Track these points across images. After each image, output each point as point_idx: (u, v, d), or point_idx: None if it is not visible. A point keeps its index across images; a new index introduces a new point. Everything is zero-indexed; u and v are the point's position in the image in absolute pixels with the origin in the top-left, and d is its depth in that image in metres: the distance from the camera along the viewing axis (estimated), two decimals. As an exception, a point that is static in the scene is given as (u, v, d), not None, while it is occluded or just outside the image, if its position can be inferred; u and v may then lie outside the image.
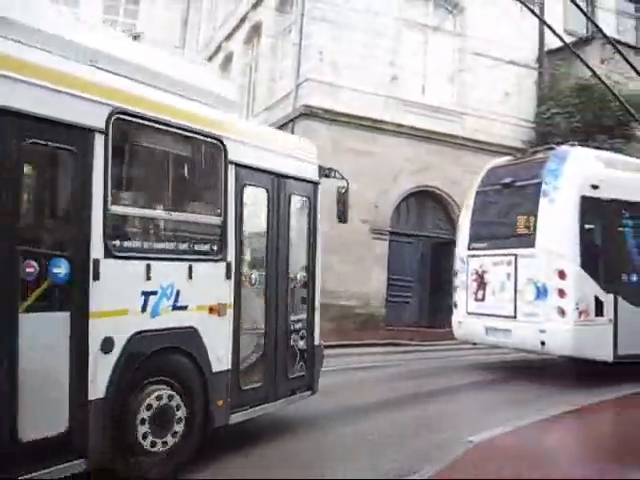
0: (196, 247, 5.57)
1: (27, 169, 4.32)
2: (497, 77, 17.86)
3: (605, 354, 9.56)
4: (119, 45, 5.33)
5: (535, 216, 10.02)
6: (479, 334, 10.83)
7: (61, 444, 4.44)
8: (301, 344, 6.95)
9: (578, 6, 14.04)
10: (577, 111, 17.63)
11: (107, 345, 4.71)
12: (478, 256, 10.88)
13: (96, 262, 4.59)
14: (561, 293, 9.45)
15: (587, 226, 9.73)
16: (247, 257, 6.20)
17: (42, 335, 4.30)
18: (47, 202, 4.67)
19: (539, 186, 10.06)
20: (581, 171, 10.02)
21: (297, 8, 16.94)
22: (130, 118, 4.94)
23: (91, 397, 4.60)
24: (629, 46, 19.37)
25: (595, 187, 9.78)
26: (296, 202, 6.90)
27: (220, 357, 5.76)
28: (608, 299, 9.62)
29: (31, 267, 4.23)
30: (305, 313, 7.04)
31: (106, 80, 4.83)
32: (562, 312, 9.43)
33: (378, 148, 16.28)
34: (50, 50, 4.48)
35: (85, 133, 4.56)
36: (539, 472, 5.34)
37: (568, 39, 18.96)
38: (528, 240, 10.01)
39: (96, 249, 4.59)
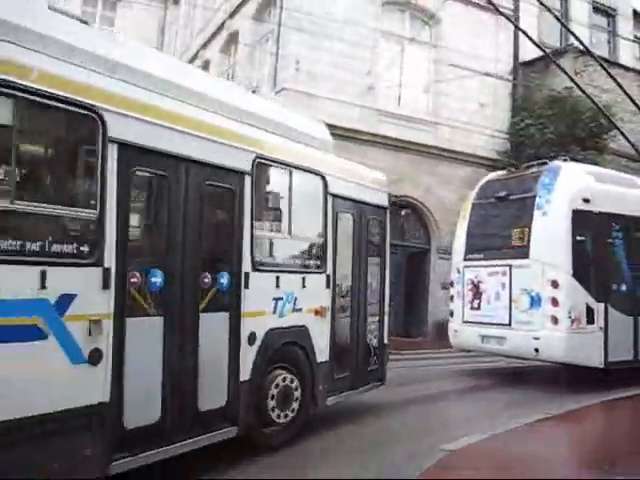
0: (307, 262, 6.93)
1: (206, 206, 5.64)
2: (472, 88, 17.93)
3: (596, 361, 9.92)
4: (250, 100, 6.68)
5: (529, 228, 10.40)
6: (475, 342, 11.18)
7: (222, 414, 5.76)
8: (375, 342, 8.30)
9: (558, 18, 15.40)
10: (550, 122, 17.74)
11: (252, 338, 6.04)
12: (474, 267, 11.24)
13: (247, 275, 5.94)
14: (554, 302, 9.82)
15: (579, 238, 10.06)
16: (339, 271, 7.49)
17: (211, 329, 5.63)
18: (215, 229, 5.98)
19: (533, 199, 10.48)
20: (573, 185, 10.39)
21: (274, 17, 16.70)
22: (265, 161, 6.29)
23: (241, 378, 5.92)
24: (602, 59, 20.01)
25: (586, 201, 10.18)
26: (372, 225, 8.24)
27: (322, 350, 7.10)
28: (599, 308, 10.01)
29: (207, 278, 5.57)
30: (377, 317, 8.36)
31: (249, 132, 6.18)
32: (555, 320, 9.79)
33: (353, 158, 15.77)
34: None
35: (240, 175, 5.91)
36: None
37: (541, 52, 19.67)
38: (522, 251, 10.39)
39: (246, 265, 5.94)
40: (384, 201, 8.48)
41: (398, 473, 5.71)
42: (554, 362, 10.50)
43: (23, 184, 4.19)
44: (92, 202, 4.54)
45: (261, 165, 6.22)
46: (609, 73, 10.93)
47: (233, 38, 20.02)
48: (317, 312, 7.00)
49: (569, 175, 10.58)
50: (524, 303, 10.21)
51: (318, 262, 7.09)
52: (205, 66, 22.30)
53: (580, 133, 17.52)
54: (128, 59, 5.07)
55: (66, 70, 4.41)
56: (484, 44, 18.45)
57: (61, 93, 4.33)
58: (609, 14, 24.14)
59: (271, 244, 6.51)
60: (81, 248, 4.45)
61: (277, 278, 6.36)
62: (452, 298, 11.83)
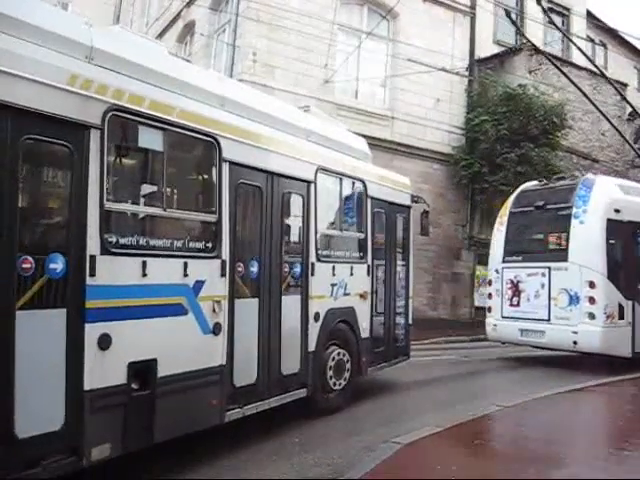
0: (353, 254, 8.14)
1: (285, 209, 6.82)
2: (428, 83, 17.78)
3: (625, 351, 10.95)
4: (309, 120, 7.86)
5: (567, 235, 11.41)
6: (513, 335, 12.13)
7: (297, 378, 6.96)
8: (402, 322, 9.53)
9: (514, 22, 16.12)
10: (504, 119, 17.71)
11: (317, 317, 7.23)
12: (513, 268, 12.23)
13: (313, 265, 7.13)
14: (591, 300, 10.82)
15: (611, 244, 11.10)
16: (375, 261, 8.69)
17: (289, 309, 6.82)
18: (291, 227, 7.11)
19: (570, 209, 11.48)
20: (606, 198, 11.39)
21: (231, 8, 16.21)
22: (324, 171, 7.48)
23: (309, 349, 7.12)
24: (556, 57, 20.32)
25: (617, 211, 11.23)
26: (400, 222, 9.46)
27: (364, 328, 8.31)
28: (628, 305, 11.04)
29: (286, 267, 6.77)
30: (404, 301, 9.59)
31: (313, 148, 7.38)
32: (592, 316, 10.79)
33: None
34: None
35: (307, 184, 7.10)
36: (465, 474, 5.16)
37: (497, 49, 20.44)
38: (561, 255, 11.42)
39: (312, 256, 7.14)
40: (408, 201, 9.70)
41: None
42: (588, 353, 11.28)
43: (170, 196, 5.35)
44: (213, 209, 5.71)
45: (321, 174, 7.39)
46: (565, 74, 12.36)
47: (189, 28, 19.43)
48: (361, 296, 8.21)
49: (602, 188, 11.57)
50: (563, 301, 11.22)
51: (361, 254, 8.30)
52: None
53: (533, 130, 17.69)
54: (231, 94, 6.23)
55: (195, 107, 5.57)
56: (441, 40, 18.31)
57: (192, 125, 5.48)
58: (563, 14, 24.09)
59: (329, 239, 7.69)
60: (207, 244, 5.63)
61: (333, 267, 7.56)
62: (490, 295, 12.82)
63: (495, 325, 12.61)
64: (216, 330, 5.66)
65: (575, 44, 15.31)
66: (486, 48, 20.06)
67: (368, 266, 8.38)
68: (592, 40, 28.90)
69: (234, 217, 5.93)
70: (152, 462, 5.25)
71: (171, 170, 5.38)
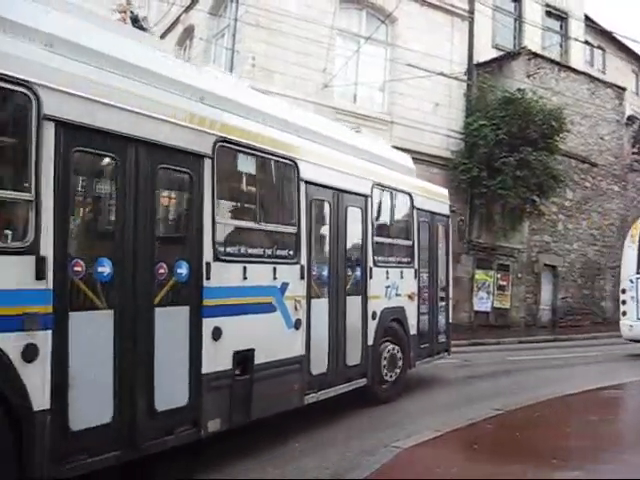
0: (402, 259, 8.97)
1: (348, 222, 7.68)
2: (427, 88, 17.59)
3: None
4: (364, 141, 8.73)
5: None
6: None
7: (358, 369, 7.79)
8: (443, 321, 10.33)
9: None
10: (503, 123, 17.53)
11: (374, 315, 8.06)
12: None
13: (370, 269, 7.98)
14: None
15: None
16: (420, 265, 9.51)
17: (352, 307, 7.66)
18: (353, 238, 7.92)
19: None
20: None
21: (230, 12, 16.09)
22: (378, 187, 8.32)
23: (368, 344, 7.95)
24: (554, 62, 20.86)
25: None
26: (441, 230, 10.27)
27: (412, 325, 9.12)
28: None
29: (349, 271, 7.62)
30: (445, 302, 10.40)
31: (369, 166, 8.24)
32: None
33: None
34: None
35: (365, 198, 7.96)
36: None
37: (496, 54, 20.19)
38: None
39: (370, 261, 7.99)
40: (447, 210, 10.52)
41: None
42: None
43: (261, 211, 6.22)
44: (294, 221, 6.58)
45: (375, 189, 8.24)
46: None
47: (189, 33, 19.28)
48: (410, 297, 9.04)
49: None
50: None
51: (409, 259, 9.13)
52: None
53: (532, 134, 17.52)
54: (304, 122, 7.12)
55: (277, 135, 6.45)
56: (439, 44, 18.13)
57: (277, 150, 6.36)
58: (562, 17, 23.86)
59: (383, 246, 8.52)
60: (290, 252, 6.50)
61: (387, 272, 8.41)
62: (624, 302, 14.24)
63: (631, 326, 13.89)
64: (297, 325, 6.52)
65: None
66: (484, 52, 19.90)
67: (415, 270, 9.21)
68: (590, 44, 28.77)
69: (309, 228, 6.79)
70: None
71: (262, 189, 6.27)
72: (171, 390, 5.04)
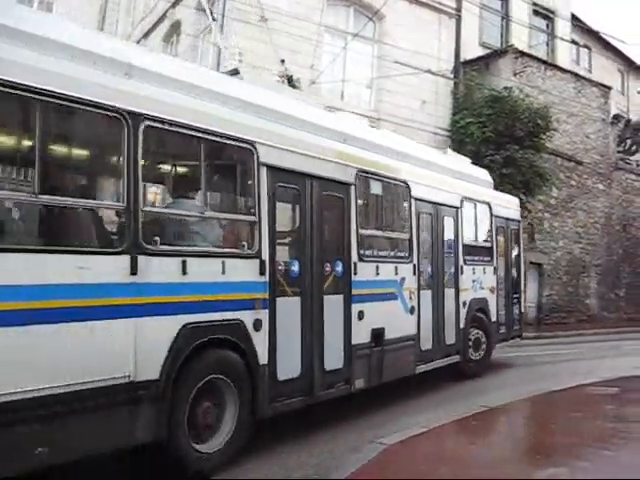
0: (484, 258, 10.63)
1: (442, 227, 9.39)
2: (414, 85, 17.38)
3: None
4: (450, 160, 10.42)
5: None
6: None
7: (453, 347, 9.49)
8: (517, 310, 11.95)
9: None
10: (490, 121, 17.36)
11: (464, 304, 9.76)
12: None
13: (461, 266, 9.68)
14: None
15: None
16: (498, 263, 11.14)
17: (448, 297, 9.36)
18: (447, 241, 9.63)
19: None
20: None
21: (218, 8, 15.72)
22: (465, 199, 10.00)
23: (460, 327, 9.64)
24: (540, 60, 20.75)
25: None
26: (513, 232, 11.89)
27: (493, 314, 10.78)
28: None
29: (446, 269, 9.32)
30: (517, 294, 12.01)
31: (458, 183, 9.93)
32: None
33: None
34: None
35: (456, 209, 9.66)
36: (452, 474, 5.09)
37: (483, 52, 19.98)
38: None
39: (460, 260, 9.69)
40: (518, 216, 12.16)
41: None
42: None
43: (387, 223, 8.04)
44: (406, 230, 8.35)
45: (463, 202, 9.93)
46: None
47: (175, 28, 18.96)
48: (490, 290, 10.70)
49: None
50: None
51: (489, 258, 10.79)
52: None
53: (519, 132, 17.38)
54: (409, 149, 8.90)
55: (391, 162, 8.22)
56: (427, 42, 18.01)
57: (393, 175, 8.13)
58: (548, 16, 23.65)
59: (470, 248, 10.18)
60: (406, 253, 8.28)
61: (473, 269, 10.10)
62: None
63: None
64: (412, 311, 8.28)
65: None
66: (472, 50, 19.72)
67: (494, 268, 10.87)
68: (577, 43, 28.73)
69: (418, 235, 8.55)
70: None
71: (385, 206, 8.07)
72: (334, 355, 6.86)
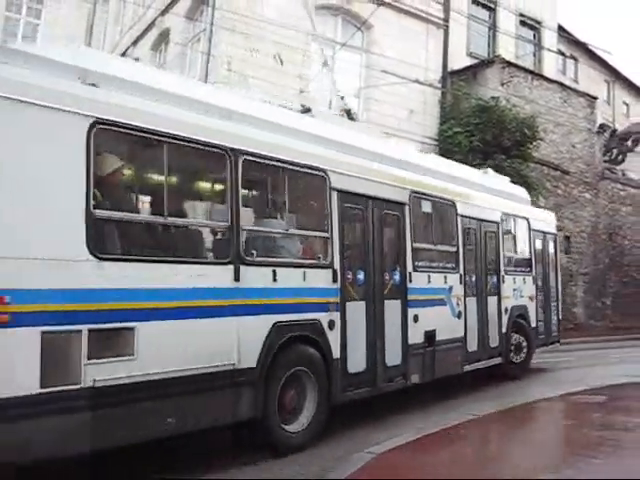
0: (525, 269, 11.50)
1: (486, 240, 10.32)
2: (402, 95, 17.47)
3: None
4: (492, 181, 11.36)
5: None
6: None
7: (496, 350, 10.36)
8: (555, 318, 12.75)
9: None
10: (477, 131, 17.46)
11: (506, 311, 10.64)
12: None
13: (503, 276, 10.57)
14: None
15: None
16: (536, 273, 11.99)
17: (491, 304, 10.26)
18: (489, 252, 10.56)
19: None
20: None
21: (207, 16, 15.83)
22: (505, 215, 10.91)
23: (503, 332, 10.52)
24: (527, 70, 21.01)
25: None
26: (551, 245, 12.74)
27: (532, 320, 11.62)
28: None
29: (489, 278, 10.23)
30: (555, 302, 12.82)
31: (498, 201, 10.85)
32: None
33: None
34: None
35: (497, 224, 10.57)
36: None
37: (470, 62, 20.16)
38: None
39: (502, 270, 10.58)
40: (554, 229, 13.02)
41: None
42: None
43: (436, 236, 8.99)
44: (454, 243, 9.30)
45: (503, 217, 10.84)
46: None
47: (164, 36, 18.90)
48: (530, 298, 11.55)
49: None
50: None
51: (529, 268, 11.66)
52: (135, 64, 21.36)
53: (506, 142, 17.53)
54: (457, 171, 9.87)
55: (438, 183, 9.20)
56: (414, 51, 18.20)
57: (442, 194, 9.10)
58: (535, 27, 23.83)
59: (510, 259, 11.08)
60: (453, 265, 9.23)
61: (514, 278, 10.98)
62: None
63: None
64: (459, 315, 9.21)
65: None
66: (459, 60, 19.94)
67: (533, 277, 11.73)
68: (563, 54, 29.02)
69: (464, 248, 9.49)
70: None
71: (435, 223, 9.05)
72: (393, 353, 7.83)
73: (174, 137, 5.46)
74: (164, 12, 18.29)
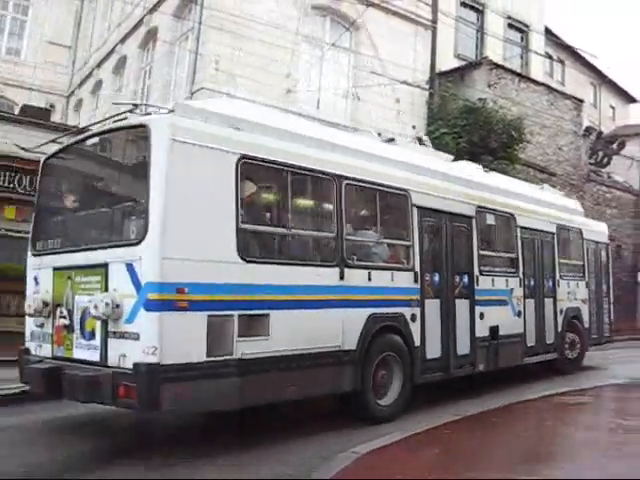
0: (578, 274, 12.63)
1: (542, 249, 11.52)
2: (390, 95, 17.58)
3: None
4: (544, 194, 12.55)
5: None
6: None
7: (552, 346, 11.51)
8: (606, 320, 13.81)
9: None
10: (464, 132, 17.39)
11: (561, 312, 11.77)
12: None
13: (558, 281, 11.76)
14: None
15: None
16: (590, 278, 13.08)
17: (548, 306, 11.44)
18: (546, 260, 11.75)
19: None
20: None
21: (195, 15, 15.77)
22: (561, 227, 12.08)
23: (558, 330, 11.68)
24: (514, 72, 20.97)
25: None
26: (602, 253, 13.80)
27: (585, 321, 12.71)
28: None
29: (546, 283, 11.46)
30: (607, 305, 13.87)
31: (554, 212, 12.04)
32: None
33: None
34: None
35: (552, 234, 11.77)
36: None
37: (458, 63, 20.21)
38: None
39: (557, 275, 11.76)
40: (606, 239, 14.10)
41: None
42: None
43: (499, 245, 10.27)
44: (513, 250, 10.56)
45: (558, 229, 12.02)
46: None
47: (152, 35, 18.71)
48: (583, 300, 12.67)
49: None
50: None
51: (581, 274, 12.78)
52: (122, 62, 21.04)
53: (493, 143, 17.50)
54: (515, 187, 11.15)
55: (496, 198, 10.49)
56: (403, 52, 18.25)
57: (502, 208, 10.39)
58: (522, 30, 23.86)
59: (564, 265, 12.22)
60: (513, 269, 10.48)
61: (568, 283, 12.13)
62: None
63: None
64: (519, 314, 10.47)
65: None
66: (447, 61, 19.97)
67: (586, 282, 12.85)
68: (550, 57, 28.86)
69: (523, 255, 10.73)
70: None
71: (496, 232, 10.36)
72: (463, 343, 9.15)
73: (297, 167, 7.00)
74: (152, 10, 18.24)
